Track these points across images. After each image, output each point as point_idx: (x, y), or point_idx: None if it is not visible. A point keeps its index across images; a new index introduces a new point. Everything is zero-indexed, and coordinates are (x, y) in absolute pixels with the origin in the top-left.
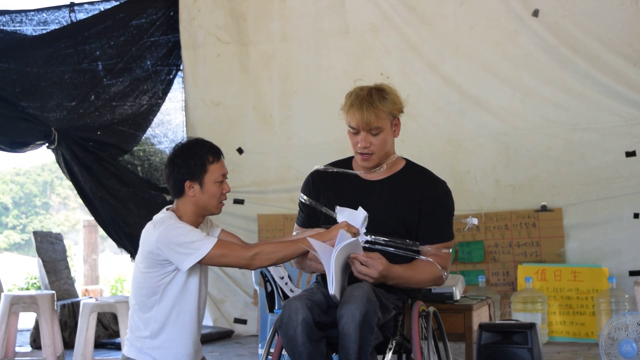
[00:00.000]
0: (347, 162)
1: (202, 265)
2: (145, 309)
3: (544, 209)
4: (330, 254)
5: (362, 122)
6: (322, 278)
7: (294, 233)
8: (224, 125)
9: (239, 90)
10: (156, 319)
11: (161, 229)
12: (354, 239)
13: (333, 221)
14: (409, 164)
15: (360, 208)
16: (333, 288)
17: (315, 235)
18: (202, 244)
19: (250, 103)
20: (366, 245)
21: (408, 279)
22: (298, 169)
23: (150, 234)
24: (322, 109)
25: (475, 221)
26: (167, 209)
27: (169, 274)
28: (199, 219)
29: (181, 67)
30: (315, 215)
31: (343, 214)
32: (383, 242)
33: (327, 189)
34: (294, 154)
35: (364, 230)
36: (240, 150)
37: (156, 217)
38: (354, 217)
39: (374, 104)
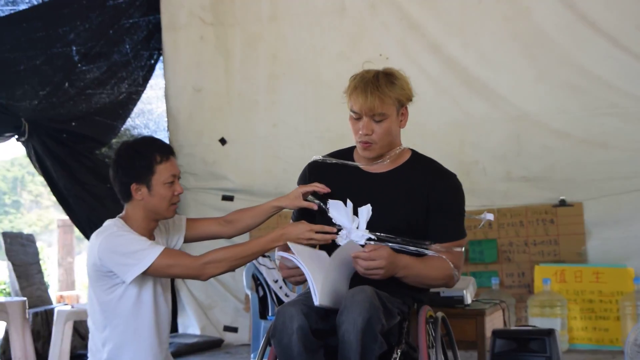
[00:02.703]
0: (347, 153)
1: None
2: (100, 327)
3: (562, 203)
4: (312, 258)
5: (365, 107)
6: None
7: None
8: (206, 114)
9: (222, 75)
10: (111, 338)
11: (102, 238)
12: (347, 241)
13: (327, 216)
14: (415, 155)
15: (368, 205)
16: (317, 298)
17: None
18: (146, 253)
19: (234, 89)
20: (369, 243)
21: (418, 271)
22: (286, 160)
23: (93, 244)
24: (314, 93)
25: (490, 217)
26: (119, 216)
27: (117, 286)
28: (151, 224)
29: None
30: (312, 211)
31: (337, 209)
32: (388, 240)
33: (326, 182)
34: (281, 143)
35: (365, 227)
36: (223, 141)
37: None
38: (348, 213)
39: (380, 88)
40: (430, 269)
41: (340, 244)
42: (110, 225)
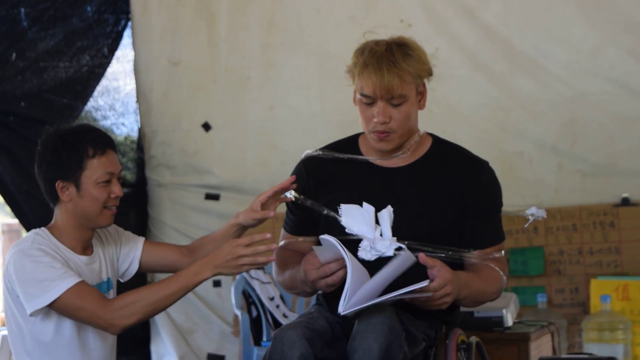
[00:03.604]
0: (351, 144)
1: None
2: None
3: (625, 202)
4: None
5: (381, 88)
6: (325, 298)
7: (281, 243)
8: (185, 93)
9: (205, 45)
10: None
11: (11, 256)
12: (403, 254)
13: (337, 226)
14: (438, 142)
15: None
16: (344, 304)
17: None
18: (55, 285)
19: (220, 63)
20: (398, 254)
21: (477, 287)
22: (285, 150)
23: (7, 258)
24: (319, 68)
25: (542, 213)
26: (47, 226)
27: (34, 313)
28: (85, 234)
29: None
30: (310, 219)
31: (351, 215)
32: (421, 250)
33: (327, 181)
34: (279, 129)
35: (390, 234)
36: (206, 126)
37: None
38: (365, 217)
39: (397, 64)
40: (486, 283)
41: (365, 258)
42: (28, 238)
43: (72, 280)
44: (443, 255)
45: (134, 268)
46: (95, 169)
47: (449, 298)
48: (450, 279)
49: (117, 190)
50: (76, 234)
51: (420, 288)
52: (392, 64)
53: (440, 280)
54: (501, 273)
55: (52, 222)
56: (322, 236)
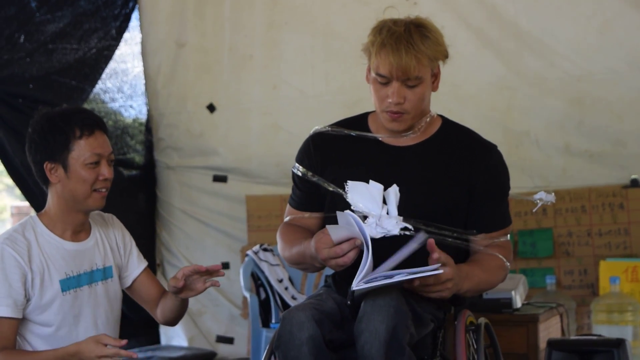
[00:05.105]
0: (361, 122)
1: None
2: None
3: (634, 184)
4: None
5: (397, 69)
6: (334, 280)
7: (286, 219)
8: (191, 74)
9: (210, 26)
10: None
11: None
12: (421, 234)
13: (343, 202)
14: (447, 124)
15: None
16: (359, 278)
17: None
18: None
19: (224, 43)
20: (404, 234)
21: (479, 278)
22: (289, 130)
23: None
24: (324, 47)
25: (551, 198)
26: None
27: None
28: (75, 218)
29: None
30: (316, 195)
31: (357, 191)
32: (427, 231)
33: (335, 158)
34: (282, 109)
35: (396, 213)
36: (211, 108)
37: None
38: (372, 194)
39: (415, 45)
40: (489, 272)
41: (370, 234)
42: (8, 231)
43: (1, 311)
44: (448, 234)
45: (124, 284)
46: (82, 149)
47: (446, 293)
48: (452, 263)
49: (105, 172)
50: (66, 217)
51: (430, 274)
52: (410, 46)
53: (450, 272)
54: (504, 260)
55: (45, 207)
56: (345, 212)
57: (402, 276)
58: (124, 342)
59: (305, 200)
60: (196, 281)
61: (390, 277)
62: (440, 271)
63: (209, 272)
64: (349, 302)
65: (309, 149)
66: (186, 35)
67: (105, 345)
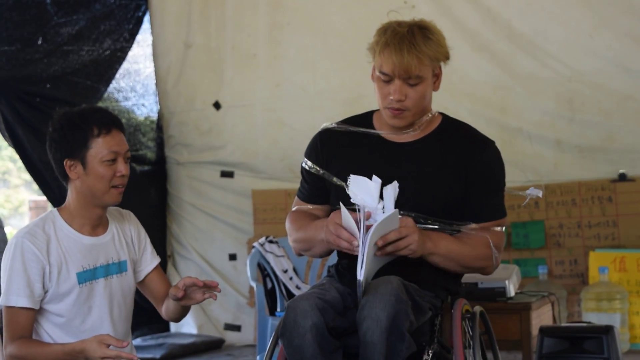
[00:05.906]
0: (365, 119)
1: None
2: None
3: (622, 178)
4: (360, 227)
5: (399, 68)
6: (337, 270)
7: (294, 208)
8: (198, 74)
9: (214, 26)
10: None
11: (11, 240)
12: (393, 211)
13: (345, 195)
14: (447, 121)
15: (394, 184)
16: (362, 271)
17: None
18: (8, 294)
19: (227, 42)
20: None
21: (449, 245)
22: (292, 126)
23: None
24: (325, 46)
25: (538, 192)
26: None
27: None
28: (93, 212)
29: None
30: (323, 188)
31: (358, 185)
32: (422, 223)
33: (341, 154)
34: (286, 107)
35: (393, 208)
36: (217, 105)
37: None
38: (372, 190)
39: (417, 46)
40: (465, 245)
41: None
42: (30, 225)
43: (21, 300)
44: (447, 227)
45: (136, 279)
46: (100, 147)
47: (414, 245)
48: (413, 225)
49: (122, 169)
50: (85, 212)
51: (390, 218)
52: (412, 46)
53: (403, 230)
54: (489, 238)
55: (65, 202)
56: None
57: (373, 236)
58: (125, 343)
59: (313, 193)
60: (195, 292)
61: (365, 243)
62: (397, 210)
63: (207, 286)
64: (359, 292)
65: (316, 144)
66: (193, 36)
67: (108, 346)
